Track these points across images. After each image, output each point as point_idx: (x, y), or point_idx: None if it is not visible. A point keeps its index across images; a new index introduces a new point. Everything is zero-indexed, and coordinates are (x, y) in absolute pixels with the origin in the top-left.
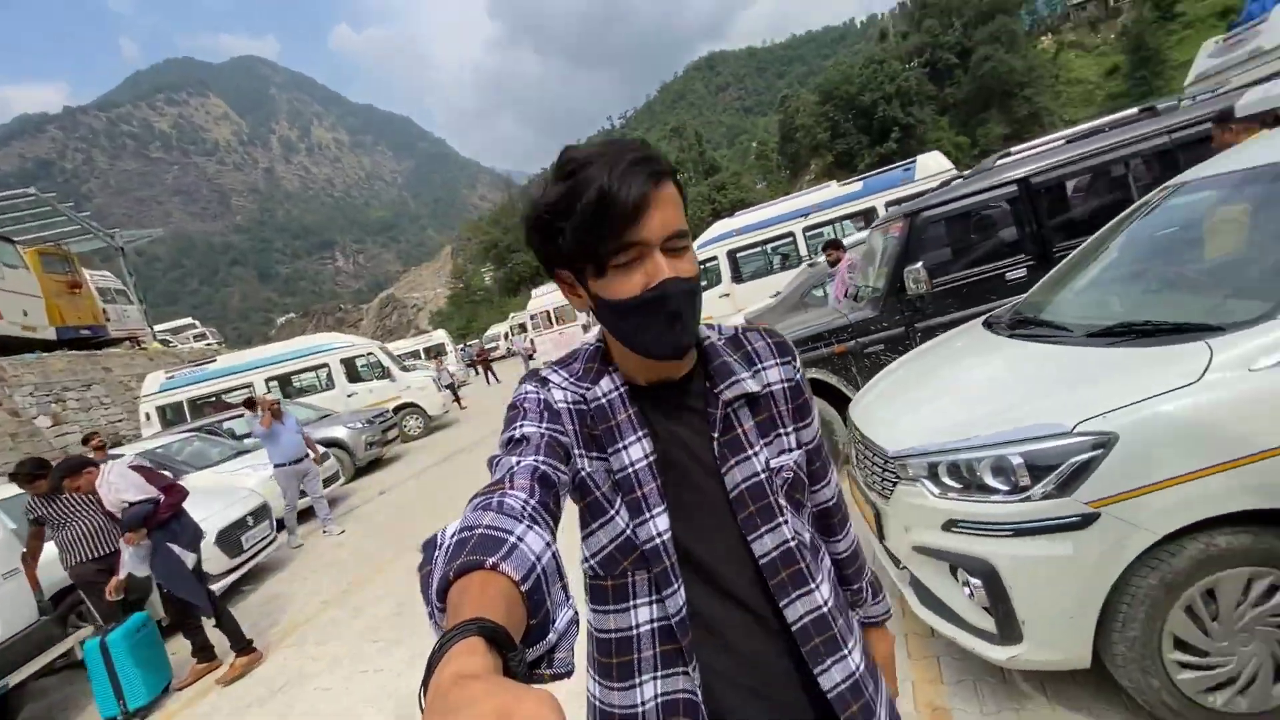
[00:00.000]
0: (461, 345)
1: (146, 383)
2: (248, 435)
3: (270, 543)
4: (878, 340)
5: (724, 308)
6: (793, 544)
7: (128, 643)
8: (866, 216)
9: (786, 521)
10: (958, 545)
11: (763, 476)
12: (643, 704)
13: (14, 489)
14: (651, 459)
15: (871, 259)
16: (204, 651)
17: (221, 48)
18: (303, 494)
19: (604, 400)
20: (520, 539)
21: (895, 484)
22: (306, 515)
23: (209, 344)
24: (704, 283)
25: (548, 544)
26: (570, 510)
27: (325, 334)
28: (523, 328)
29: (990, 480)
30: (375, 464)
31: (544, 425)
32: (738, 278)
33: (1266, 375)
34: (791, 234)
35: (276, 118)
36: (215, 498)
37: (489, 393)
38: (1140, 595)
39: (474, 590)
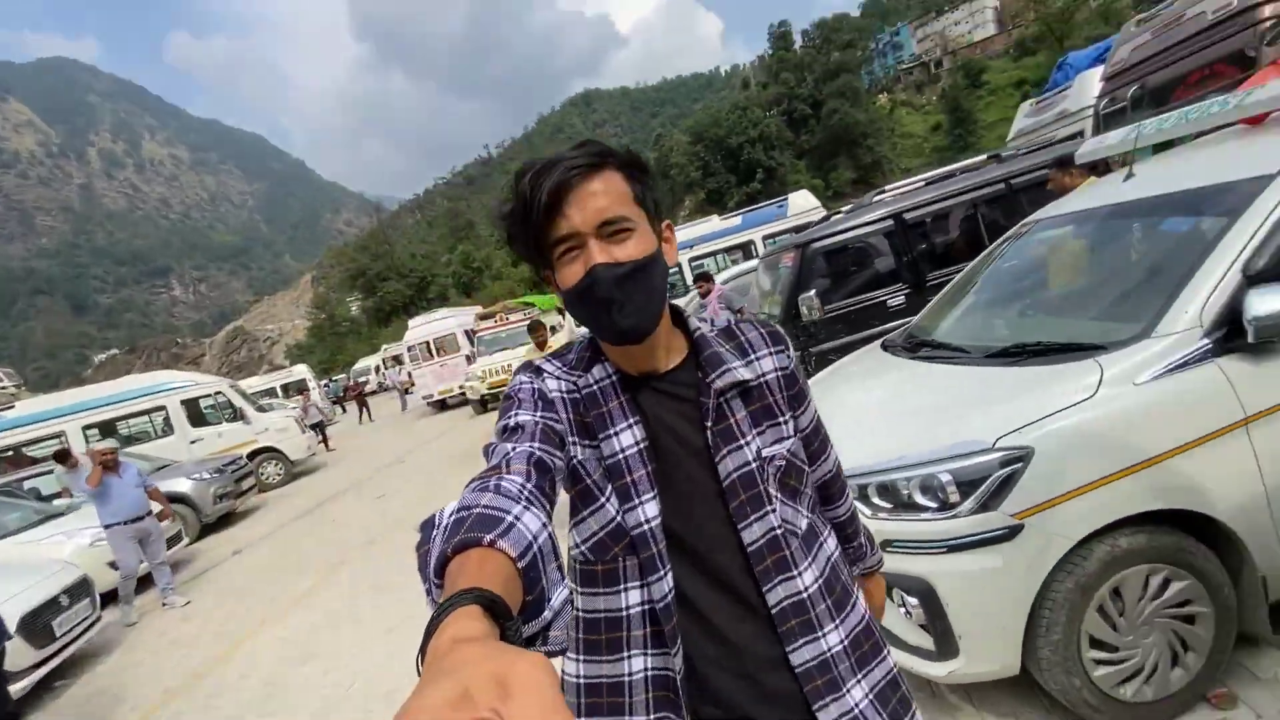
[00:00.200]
0: (326, 380)
1: None
2: (59, 495)
3: (93, 623)
4: None
5: None
6: (779, 532)
7: None
8: (744, 249)
9: (774, 510)
10: (894, 565)
11: (754, 465)
12: (630, 674)
13: None
14: (642, 445)
15: (752, 289)
16: None
17: (27, 46)
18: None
19: (595, 387)
20: (517, 518)
21: None
22: (144, 583)
23: (3, 387)
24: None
25: (544, 524)
26: (559, 504)
27: (161, 372)
28: (397, 360)
29: (920, 499)
30: (226, 519)
31: (538, 414)
32: None
33: (1148, 388)
34: (677, 265)
35: (96, 128)
36: (16, 574)
37: (362, 432)
38: (1060, 600)
39: (472, 565)
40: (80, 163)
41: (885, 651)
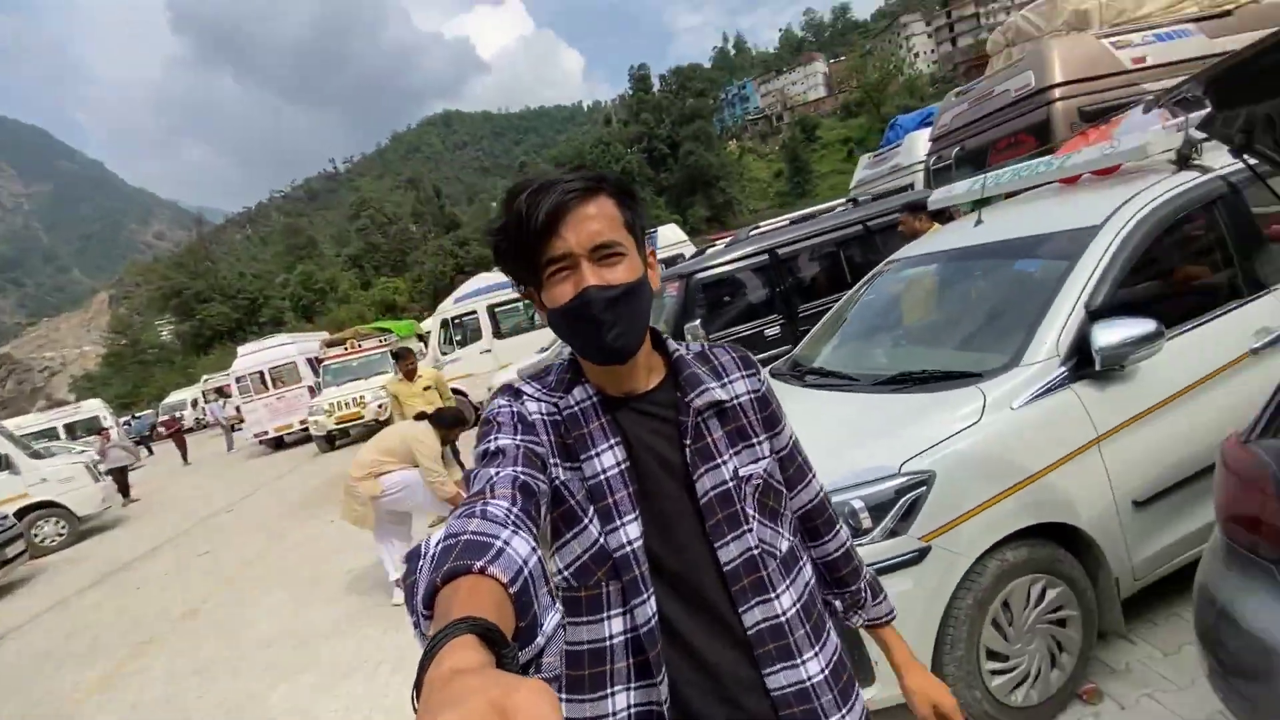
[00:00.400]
0: (127, 418)
1: None
2: None
3: None
4: None
5: (487, 364)
6: (756, 552)
7: None
8: None
9: (751, 530)
10: None
11: (730, 485)
12: (614, 713)
13: None
14: (623, 466)
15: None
16: None
17: None
18: None
19: (576, 409)
20: (507, 543)
21: None
22: None
23: None
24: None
25: (533, 548)
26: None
27: None
28: (221, 392)
29: None
30: None
31: (519, 437)
32: (499, 333)
33: (1022, 412)
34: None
35: None
36: None
37: (182, 476)
38: (962, 616)
39: (463, 593)
40: None
41: (857, 688)
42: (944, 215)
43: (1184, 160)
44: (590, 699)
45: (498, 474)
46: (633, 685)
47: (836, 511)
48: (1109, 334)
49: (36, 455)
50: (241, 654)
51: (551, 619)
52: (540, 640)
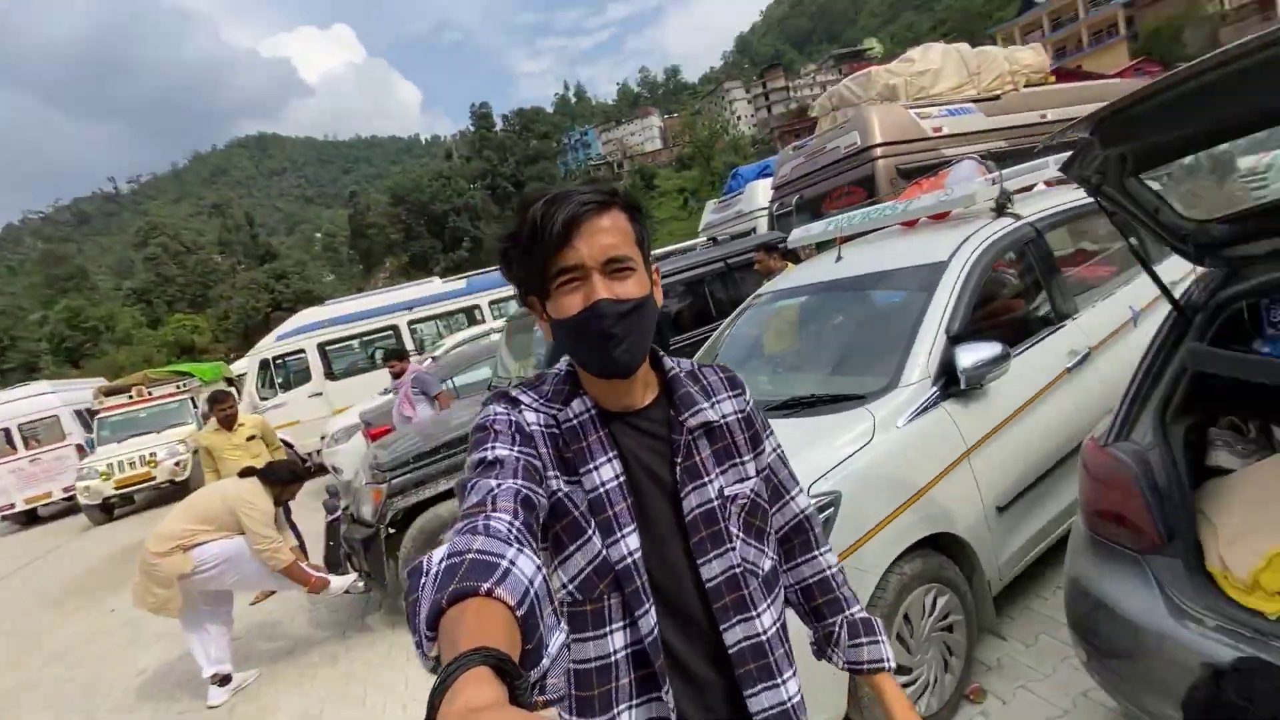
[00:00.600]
0: None
1: None
2: None
3: None
4: None
5: (317, 409)
6: (738, 570)
7: None
8: (469, 314)
9: (734, 548)
10: None
11: (715, 503)
12: None
13: None
14: (621, 479)
15: (500, 353)
16: None
17: None
18: None
19: (575, 422)
20: (512, 563)
21: None
22: None
23: None
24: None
25: (538, 567)
26: None
27: None
28: None
29: None
30: None
31: (517, 448)
32: (331, 374)
33: (906, 430)
34: (394, 327)
35: None
36: None
37: None
38: None
39: (470, 616)
40: None
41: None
42: (793, 255)
43: (1001, 208)
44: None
45: (500, 486)
46: (635, 702)
47: (822, 538)
48: (969, 356)
49: None
50: None
51: (556, 640)
52: (545, 662)
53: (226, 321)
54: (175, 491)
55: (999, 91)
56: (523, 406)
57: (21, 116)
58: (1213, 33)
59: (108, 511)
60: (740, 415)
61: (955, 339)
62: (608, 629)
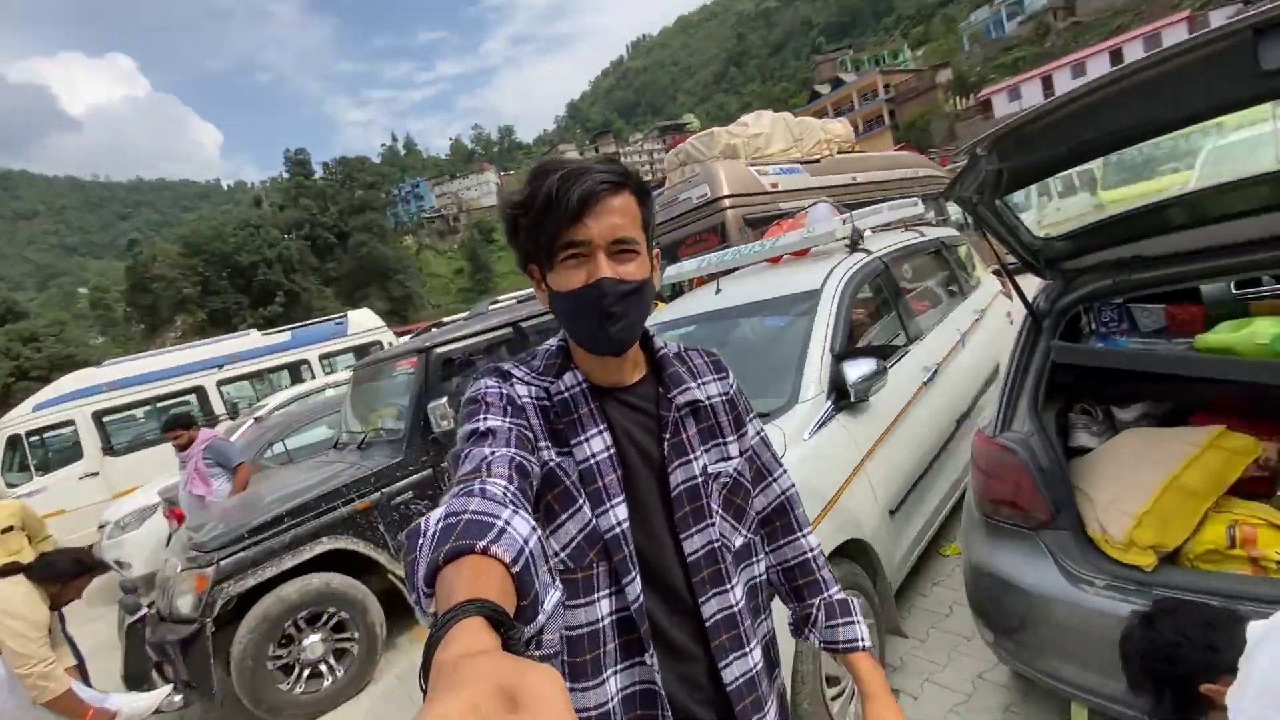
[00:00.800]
0: None
1: None
2: None
3: None
4: (405, 488)
5: (92, 492)
6: (717, 545)
7: None
8: (293, 370)
9: (714, 524)
10: None
11: (699, 480)
12: (611, 699)
13: None
14: (611, 451)
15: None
16: None
17: None
18: None
19: (567, 394)
20: (508, 523)
21: None
22: None
23: None
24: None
25: (533, 527)
26: None
27: None
28: None
29: None
30: None
31: (509, 419)
32: (110, 449)
33: (811, 442)
34: (200, 389)
35: None
36: None
37: None
38: (809, 652)
39: (466, 573)
40: None
41: (777, 671)
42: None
43: (854, 244)
44: (593, 685)
45: (493, 453)
46: (620, 666)
47: (804, 519)
48: (855, 371)
49: None
50: None
51: (552, 597)
52: (541, 618)
53: None
54: None
55: (819, 156)
56: (514, 380)
57: None
58: (951, 127)
59: None
60: (724, 397)
61: (839, 357)
62: (596, 596)
